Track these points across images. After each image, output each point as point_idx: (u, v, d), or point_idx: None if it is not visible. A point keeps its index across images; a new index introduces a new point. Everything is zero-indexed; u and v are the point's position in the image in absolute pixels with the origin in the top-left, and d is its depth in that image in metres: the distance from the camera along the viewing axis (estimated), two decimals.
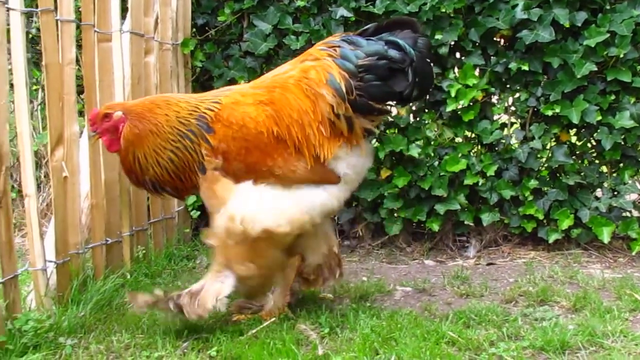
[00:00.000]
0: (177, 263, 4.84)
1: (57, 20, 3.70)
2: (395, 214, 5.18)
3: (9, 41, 3.40)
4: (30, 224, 3.56)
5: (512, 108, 5.11)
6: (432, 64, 3.82)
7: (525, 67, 4.79)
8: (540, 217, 4.93)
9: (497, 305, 3.81)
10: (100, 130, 3.55)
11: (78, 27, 3.99)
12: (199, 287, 3.50)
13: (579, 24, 4.71)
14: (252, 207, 3.42)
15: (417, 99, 4.11)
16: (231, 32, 5.41)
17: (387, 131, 5.15)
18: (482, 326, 3.53)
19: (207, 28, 5.47)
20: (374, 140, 5.13)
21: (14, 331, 3.25)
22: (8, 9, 3.34)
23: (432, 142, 5.06)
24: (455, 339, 3.32)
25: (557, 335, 3.30)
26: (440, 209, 5.02)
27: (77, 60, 4.22)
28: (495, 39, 4.99)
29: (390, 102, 3.71)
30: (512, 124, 5.18)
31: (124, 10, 4.52)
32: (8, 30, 3.37)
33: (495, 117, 5.12)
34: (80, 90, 4.31)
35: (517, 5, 4.77)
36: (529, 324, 3.57)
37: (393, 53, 3.47)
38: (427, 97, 5.07)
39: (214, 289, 3.47)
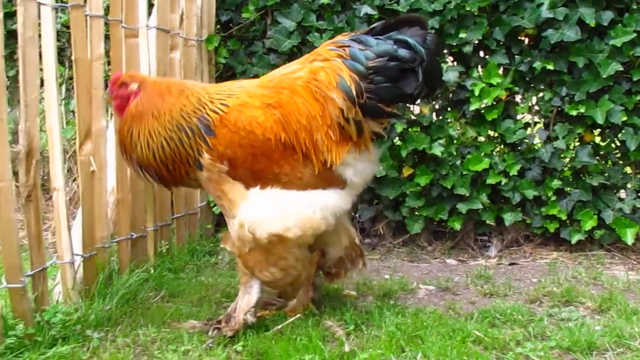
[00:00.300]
0: (200, 258, 4.86)
1: (86, 16, 3.72)
2: (417, 213, 5.18)
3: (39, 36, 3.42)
4: (58, 218, 3.59)
5: (536, 107, 5.10)
6: (440, 62, 3.78)
7: (550, 67, 4.79)
8: (563, 217, 4.92)
9: (522, 305, 3.81)
10: (114, 95, 3.55)
11: (106, 22, 3.99)
12: (232, 308, 3.53)
13: (605, 24, 4.71)
14: (258, 213, 3.38)
15: (426, 97, 4.06)
16: (255, 29, 5.42)
17: (410, 129, 5.15)
18: (507, 325, 3.52)
19: (230, 25, 5.48)
20: (397, 138, 5.14)
21: (42, 323, 3.27)
22: (39, 4, 3.35)
23: (455, 141, 5.06)
24: (481, 338, 3.32)
25: (584, 336, 3.29)
26: (462, 208, 5.02)
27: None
28: (519, 37, 4.99)
29: (399, 104, 3.67)
30: (535, 123, 5.17)
31: (150, 6, 4.54)
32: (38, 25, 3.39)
33: (518, 117, 5.11)
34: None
35: (542, 4, 4.77)
36: (555, 324, 3.57)
37: (403, 52, 3.39)
38: (450, 95, 5.08)
39: (245, 302, 3.49)
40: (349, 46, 3.44)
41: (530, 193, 4.93)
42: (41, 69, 3.45)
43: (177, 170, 3.45)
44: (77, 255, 3.70)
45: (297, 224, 3.37)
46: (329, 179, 3.47)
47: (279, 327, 3.50)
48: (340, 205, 3.50)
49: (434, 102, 5.16)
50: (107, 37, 3.97)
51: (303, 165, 3.43)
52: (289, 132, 3.40)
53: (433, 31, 3.79)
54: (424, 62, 3.39)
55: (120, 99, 3.54)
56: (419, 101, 4.38)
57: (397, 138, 5.16)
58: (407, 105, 5.08)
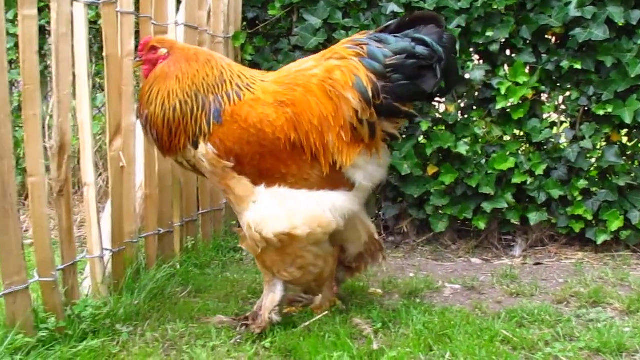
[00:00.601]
0: (225, 254, 4.88)
1: (117, 12, 3.74)
2: (441, 211, 5.17)
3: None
4: (88, 212, 3.63)
5: (563, 107, 5.08)
6: (457, 59, 3.73)
7: (578, 66, 4.76)
8: (589, 217, 4.90)
9: (549, 306, 3.80)
10: (144, 59, 3.53)
11: (136, 19, 4.01)
12: (259, 305, 3.55)
13: (634, 23, 4.68)
14: (264, 212, 3.37)
15: (443, 95, 4.02)
16: (280, 26, 5.43)
17: (435, 128, 5.14)
18: (535, 326, 3.52)
19: (257, 22, 5.50)
20: (422, 137, 5.14)
21: (73, 317, 3.30)
22: (72, 1, 3.38)
23: (480, 140, 5.04)
24: (509, 338, 3.32)
25: (614, 337, 3.27)
26: (487, 207, 5.01)
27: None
28: (547, 36, 4.96)
29: (416, 103, 3.63)
30: (561, 122, 5.15)
31: (177, 3, 4.56)
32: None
33: (545, 116, 5.09)
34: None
35: (570, 2, 4.74)
36: (583, 325, 3.55)
37: (421, 50, 3.36)
38: (476, 94, 5.07)
39: (269, 300, 3.50)
40: (367, 44, 3.42)
41: (556, 193, 4.92)
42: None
43: (177, 137, 3.38)
44: (107, 250, 3.73)
45: (305, 222, 3.34)
46: (337, 181, 3.44)
47: (307, 324, 3.51)
48: (349, 206, 3.46)
49: (459, 101, 5.15)
50: (136, 34, 3.99)
51: (311, 167, 3.40)
52: (300, 132, 3.36)
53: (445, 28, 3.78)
54: (442, 60, 3.37)
55: (149, 63, 3.51)
56: (437, 99, 4.40)
57: (422, 136, 5.15)
58: (432, 103, 5.10)
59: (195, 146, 3.38)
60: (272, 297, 3.51)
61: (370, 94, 3.34)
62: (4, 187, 2.93)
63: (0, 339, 2.92)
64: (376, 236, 3.82)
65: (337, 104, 3.37)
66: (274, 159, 3.36)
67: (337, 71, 3.40)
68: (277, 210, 3.36)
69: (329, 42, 5.16)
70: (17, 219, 2.99)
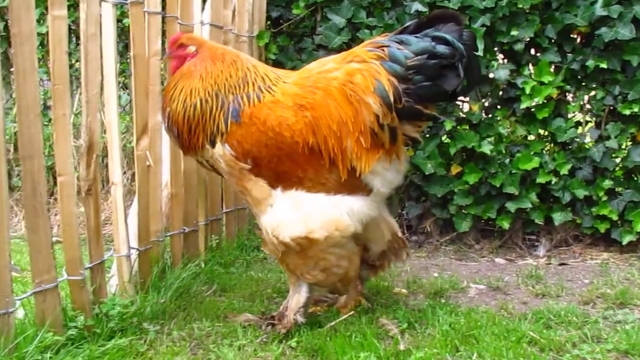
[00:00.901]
0: (249, 253, 4.89)
1: (144, 12, 3.76)
2: (465, 211, 5.17)
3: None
4: (115, 211, 3.65)
5: (588, 106, 5.06)
6: (478, 56, 3.69)
7: (604, 65, 4.74)
8: (614, 217, 4.88)
9: (576, 307, 3.78)
10: (172, 55, 3.54)
11: (162, 19, 4.02)
12: (284, 306, 3.56)
13: None
14: (279, 216, 3.37)
15: (465, 93, 3.94)
16: (304, 25, 5.43)
17: (459, 127, 5.13)
18: (562, 327, 3.50)
19: (281, 21, 5.50)
20: (445, 136, 5.13)
21: (100, 315, 3.32)
22: (101, 1, 3.40)
23: (504, 139, 5.02)
24: (536, 339, 3.31)
25: None
26: (511, 206, 5.00)
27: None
28: (572, 35, 4.94)
29: (439, 104, 3.59)
30: (586, 122, 5.13)
31: (202, 2, 4.57)
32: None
33: (569, 115, 5.06)
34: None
35: (596, 1, 4.71)
36: (611, 326, 3.53)
37: (442, 49, 3.31)
38: (501, 93, 5.06)
39: (294, 301, 3.51)
40: (388, 46, 3.38)
41: (581, 193, 4.90)
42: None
43: (195, 136, 3.39)
44: (133, 248, 3.75)
45: (322, 226, 3.32)
46: (354, 186, 3.41)
47: (333, 323, 3.51)
48: (366, 211, 3.44)
49: (483, 100, 5.13)
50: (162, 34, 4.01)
51: (328, 171, 3.38)
52: (318, 136, 3.33)
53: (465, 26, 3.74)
54: (464, 58, 3.34)
55: (177, 59, 3.52)
56: (460, 98, 4.36)
57: (445, 136, 5.14)
58: (456, 103, 5.09)
59: (213, 145, 3.38)
60: (297, 298, 3.51)
61: (392, 98, 3.30)
62: (34, 186, 2.96)
63: (30, 337, 2.94)
64: (399, 234, 3.80)
65: (357, 108, 3.34)
66: (291, 162, 3.35)
67: (358, 75, 3.36)
68: (293, 214, 3.35)
69: (353, 41, 5.16)
70: (47, 217, 3.02)
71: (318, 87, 3.38)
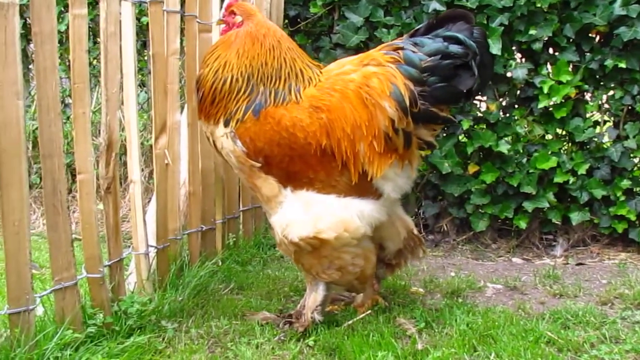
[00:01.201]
0: (266, 251, 4.90)
1: (163, 11, 3.78)
2: (482, 210, 5.16)
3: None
4: (134, 209, 3.67)
5: (606, 106, 5.04)
6: (491, 54, 3.66)
7: (622, 65, 4.72)
8: (632, 218, 4.86)
9: (594, 307, 3.77)
10: (224, 19, 3.54)
11: (181, 18, 4.04)
12: (302, 304, 3.57)
13: None
14: (289, 216, 3.37)
15: (478, 90, 3.89)
16: (322, 24, 5.43)
17: (476, 126, 5.12)
18: (580, 327, 3.49)
19: (298, 19, 5.50)
20: (462, 135, 5.12)
21: (119, 313, 3.35)
22: (121, 0, 3.41)
23: (522, 139, 5.01)
24: (554, 340, 3.30)
25: None
26: (529, 206, 4.99)
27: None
28: (590, 35, 4.92)
29: (455, 105, 3.56)
30: (605, 122, 5.11)
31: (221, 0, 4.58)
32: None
33: (588, 115, 5.04)
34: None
35: (615, 1, 4.69)
36: (629, 327, 3.52)
37: (455, 48, 3.31)
38: (518, 92, 5.05)
39: (311, 300, 3.52)
40: (403, 48, 3.37)
41: (599, 192, 4.88)
42: None
43: (216, 108, 3.39)
44: (152, 246, 3.77)
45: (331, 227, 3.32)
46: (365, 189, 3.40)
47: (350, 322, 3.52)
48: (376, 215, 3.44)
49: (500, 99, 5.12)
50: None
51: (339, 174, 3.37)
52: (332, 139, 3.32)
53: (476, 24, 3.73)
54: (477, 56, 3.33)
55: (227, 25, 3.53)
56: (477, 97, 4.33)
57: (463, 135, 5.13)
58: (473, 102, 5.08)
59: (226, 125, 3.38)
60: (314, 296, 3.52)
61: (407, 103, 3.29)
62: (54, 184, 2.98)
63: (50, 334, 2.97)
64: (415, 231, 3.80)
65: (372, 112, 3.32)
66: (302, 163, 3.35)
67: (375, 78, 3.34)
68: (302, 215, 3.35)
69: (370, 40, 5.16)
70: (67, 215, 3.04)
71: (335, 89, 3.37)
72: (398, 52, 3.37)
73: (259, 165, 3.36)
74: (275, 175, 3.38)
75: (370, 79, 3.34)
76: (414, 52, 3.34)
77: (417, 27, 3.51)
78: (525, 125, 5.00)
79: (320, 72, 3.49)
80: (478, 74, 3.35)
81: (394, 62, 3.35)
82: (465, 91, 3.39)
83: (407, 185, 3.55)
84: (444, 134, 5.06)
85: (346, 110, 3.33)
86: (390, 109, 3.29)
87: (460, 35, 3.34)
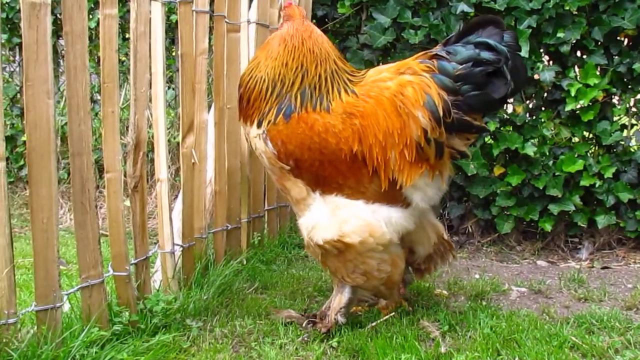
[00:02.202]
0: (290, 251, 4.92)
1: (192, 11, 3.80)
2: (507, 212, 5.14)
3: None
4: (160, 208, 3.69)
5: (634, 109, 5.01)
6: (522, 57, 3.64)
7: None
8: None
9: (618, 312, 3.74)
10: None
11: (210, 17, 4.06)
12: (327, 305, 3.58)
13: None
14: (315, 219, 3.38)
15: (512, 95, 3.85)
16: (349, 24, 5.44)
17: (503, 128, 5.10)
18: (605, 332, 3.48)
19: (326, 19, 5.51)
20: (489, 137, 5.11)
21: (145, 311, 3.37)
22: (151, 0, 3.44)
23: (548, 141, 4.99)
24: (578, 345, 3.29)
25: None
26: (554, 209, 4.97)
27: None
28: (619, 38, 4.88)
29: (489, 113, 3.52)
30: (632, 125, 5.07)
31: (249, 0, 4.61)
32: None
33: (615, 118, 5.01)
34: None
35: None
36: None
37: (486, 55, 3.27)
38: (545, 95, 5.02)
39: (337, 301, 3.52)
40: (438, 57, 3.35)
41: (625, 196, 4.85)
42: None
43: (252, 109, 3.44)
44: (177, 245, 3.79)
45: (356, 231, 3.31)
46: (393, 197, 3.38)
47: (374, 324, 3.52)
48: (404, 223, 3.43)
49: (527, 102, 5.10)
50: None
51: (369, 181, 3.36)
52: (364, 145, 3.32)
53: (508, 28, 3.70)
54: (509, 61, 3.30)
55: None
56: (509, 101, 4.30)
57: (489, 137, 5.12)
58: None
59: (259, 125, 3.41)
60: (339, 298, 3.53)
61: (441, 113, 3.27)
62: (83, 182, 3.01)
63: (76, 331, 3.00)
64: (445, 236, 3.79)
65: (405, 121, 3.31)
66: (332, 168, 3.35)
67: (409, 87, 3.32)
68: (328, 218, 3.36)
69: (398, 41, 5.17)
70: (95, 214, 3.07)
71: (370, 96, 3.37)
72: (433, 61, 3.35)
73: (288, 168, 3.38)
74: (305, 179, 3.39)
75: (405, 88, 3.33)
76: (448, 61, 3.32)
77: (449, 36, 3.49)
78: (552, 128, 4.98)
79: (357, 77, 3.49)
80: (511, 79, 3.31)
81: (429, 71, 3.34)
82: (499, 99, 3.35)
83: (437, 196, 3.52)
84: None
85: (379, 116, 3.32)
86: (424, 118, 3.28)
87: (490, 41, 3.30)
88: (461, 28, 3.48)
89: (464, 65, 3.29)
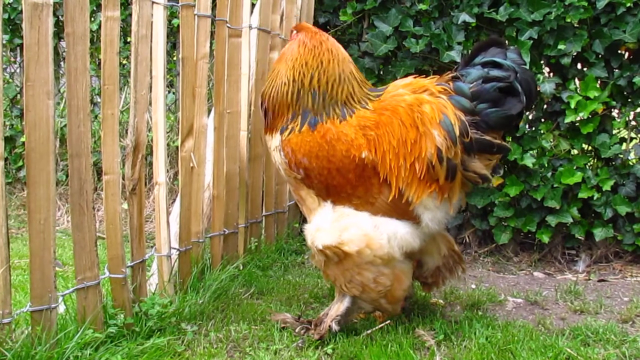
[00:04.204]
0: (287, 257, 4.92)
1: (194, 15, 3.80)
2: (505, 223, 5.14)
3: None
4: (158, 212, 3.69)
5: (633, 123, 5.01)
6: (530, 71, 3.66)
7: None
8: None
9: (614, 325, 3.73)
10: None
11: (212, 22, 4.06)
12: (325, 312, 3.57)
13: None
14: (318, 224, 3.43)
15: (527, 109, 3.81)
16: (351, 32, 5.46)
17: None
18: (600, 345, 3.47)
19: (328, 27, 5.52)
20: None
21: (140, 314, 3.37)
22: (153, 3, 3.44)
23: (547, 153, 5.00)
24: (574, 357, 3.28)
25: None
26: (552, 220, 4.97)
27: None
28: (620, 51, 4.89)
29: (507, 130, 3.51)
30: (631, 139, 5.08)
31: (251, 6, 4.61)
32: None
33: (614, 131, 5.01)
34: None
35: None
36: None
37: (495, 72, 3.30)
38: (545, 106, 5.03)
39: (334, 309, 3.53)
40: (454, 79, 3.36)
41: (623, 209, 4.85)
42: None
43: (276, 117, 3.50)
44: (174, 248, 3.79)
45: (354, 240, 3.32)
46: (403, 211, 3.38)
47: (369, 332, 3.51)
48: (409, 240, 3.40)
49: (527, 113, 5.10)
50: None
51: (378, 191, 3.36)
52: (378, 152, 3.34)
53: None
54: (518, 74, 3.30)
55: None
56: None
57: None
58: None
59: (281, 131, 3.46)
60: (337, 306, 3.53)
61: (457, 132, 3.25)
62: (81, 184, 3.01)
63: (71, 333, 2.99)
64: (456, 248, 3.78)
65: (420, 134, 3.30)
66: (341, 177, 3.36)
67: (427, 105, 3.33)
68: (330, 224, 3.38)
69: (399, 49, 5.18)
70: (92, 215, 3.07)
71: (387, 109, 3.40)
72: (449, 84, 3.37)
73: (300, 177, 3.42)
74: (315, 189, 3.43)
75: (423, 104, 3.34)
76: (463, 82, 3.34)
77: (456, 66, 3.50)
78: (551, 140, 4.99)
79: (376, 92, 3.54)
80: (523, 92, 3.31)
81: (445, 93, 3.35)
82: (516, 114, 3.34)
83: (445, 220, 3.49)
84: None
85: (395, 125, 3.34)
86: (439, 137, 3.27)
87: (496, 59, 3.33)
88: (465, 57, 3.46)
89: (474, 83, 3.31)
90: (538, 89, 4.75)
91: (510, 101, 3.33)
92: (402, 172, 3.33)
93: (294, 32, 3.64)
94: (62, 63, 6.61)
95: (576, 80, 4.97)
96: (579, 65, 5.02)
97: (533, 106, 4.75)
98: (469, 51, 3.53)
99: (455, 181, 3.35)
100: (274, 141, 3.50)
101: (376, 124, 3.37)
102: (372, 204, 3.37)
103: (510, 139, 5.06)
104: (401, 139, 3.33)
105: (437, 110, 3.30)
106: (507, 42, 3.93)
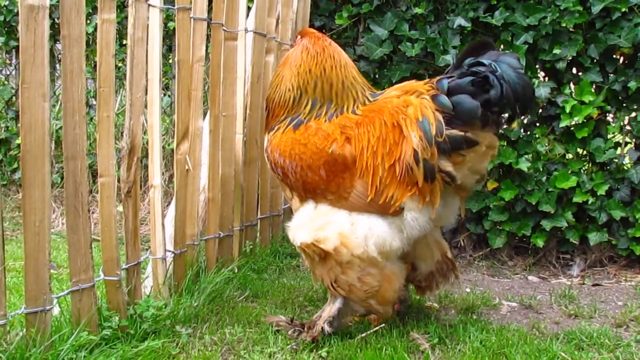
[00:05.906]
0: (282, 260, 4.92)
1: (190, 19, 3.80)
2: (499, 227, 5.15)
3: None
4: (153, 214, 3.69)
5: (628, 127, 5.02)
6: (528, 76, 3.63)
7: None
8: None
9: (608, 329, 3.74)
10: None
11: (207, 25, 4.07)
12: (318, 315, 3.57)
13: None
14: (297, 222, 3.49)
15: (522, 113, 3.69)
16: (346, 36, 5.46)
17: None
18: (594, 349, 3.48)
19: (323, 30, 5.51)
20: None
21: (135, 317, 3.36)
22: (149, 5, 3.44)
23: (542, 157, 5.01)
24: None
25: None
26: (547, 225, 4.98)
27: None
28: (615, 56, 4.90)
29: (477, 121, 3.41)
30: (626, 143, 5.09)
31: (247, 9, 4.61)
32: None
33: (609, 136, 5.03)
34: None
35: None
36: None
37: (474, 68, 3.22)
38: (540, 111, 5.04)
39: (327, 311, 3.54)
40: (440, 79, 3.31)
41: (618, 214, 4.86)
42: None
43: (271, 119, 3.62)
44: (169, 251, 3.79)
45: (329, 238, 3.34)
46: (382, 206, 3.33)
47: (364, 335, 3.51)
48: (387, 238, 3.36)
49: (522, 117, 5.11)
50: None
51: (350, 185, 3.35)
52: (357, 148, 3.35)
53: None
54: (496, 71, 3.18)
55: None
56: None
57: None
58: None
59: (270, 130, 3.55)
60: (329, 308, 3.53)
61: (433, 132, 3.18)
62: (76, 186, 3.01)
63: (65, 335, 2.99)
64: (449, 255, 3.77)
65: (403, 135, 3.27)
66: (313, 174, 3.40)
67: (411, 107, 3.29)
68: (308, 222, 3.43)
69: (394, 53, 5.18)
70: (87, 218, 3.06)
71: (373, 110, 3.44)
72: (433, 81, 3.34)
73: (280, 177, 3.51)
74: (294, 187, 3.48)
75: (408, 107, 3.31)
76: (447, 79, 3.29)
77: (446, 71, 3.45)
78: (546, 144, 5.00)
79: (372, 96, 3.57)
80: (520, 95, 3.23)
81: (431, 91, 3.30)
82: (483, 103, 3.21)
83: (428, 226, 3.39)
84: None
85: (376, 123, 3.36)
86: (415, 138, 3.22)
87: (481, 59, 3.24)
88: (453, 65, 3.41)
89: (451, 79, 3.26)
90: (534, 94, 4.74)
91: (482, 94, 3.22)
92: (379, 170, 3.32)
93: (299, 37, 3.72)
94: (57, 65, 6.60)
95: (571, 84, 4.98)
96: (574, 70, 5.03)
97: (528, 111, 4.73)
98: (459, 53, 3.51)
99: (435, 184, 3.27)
100: (265, 142, 3.60)
101: (357, 123, 3.40)
102: (346, 198, 3.37)
103: (505, 144, 5.08)
104: (381, 137, 3.33)
105: (419, 111, 3.27)
106: (502, 46, 3.92)
